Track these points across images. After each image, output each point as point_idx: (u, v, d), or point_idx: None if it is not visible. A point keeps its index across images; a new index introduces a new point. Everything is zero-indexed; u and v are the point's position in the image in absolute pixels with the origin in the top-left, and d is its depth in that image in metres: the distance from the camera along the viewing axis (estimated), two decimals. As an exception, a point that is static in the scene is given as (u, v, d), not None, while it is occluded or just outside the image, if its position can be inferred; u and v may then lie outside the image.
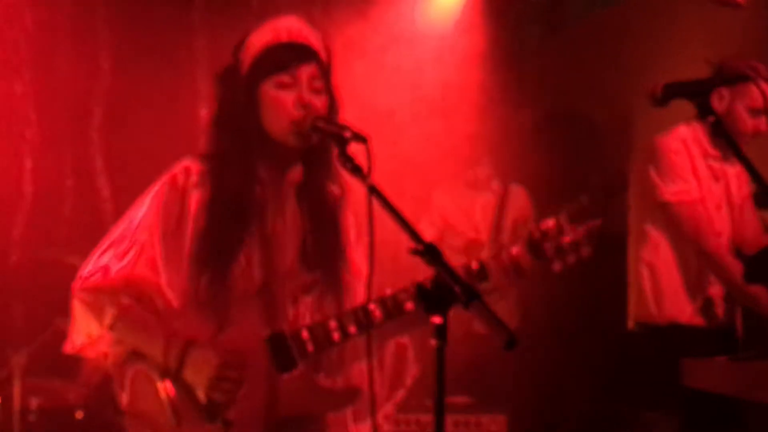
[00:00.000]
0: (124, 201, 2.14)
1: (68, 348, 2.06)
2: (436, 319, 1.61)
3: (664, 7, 4.52)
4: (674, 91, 2.05)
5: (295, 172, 2.08)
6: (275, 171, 2.06)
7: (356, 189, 1.97)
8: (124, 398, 1.98)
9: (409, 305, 1.96)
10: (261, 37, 2.03)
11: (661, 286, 3.29)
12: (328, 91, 2.04)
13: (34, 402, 3.83)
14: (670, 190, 3.22)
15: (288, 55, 2.01)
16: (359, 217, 2.13)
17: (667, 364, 2.83)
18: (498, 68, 4.78)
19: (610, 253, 4.03)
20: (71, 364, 3.77)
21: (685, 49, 4.25)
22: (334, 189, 2.11)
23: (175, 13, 4.61)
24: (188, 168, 2.06)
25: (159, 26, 4.50)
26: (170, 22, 4.56)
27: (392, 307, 1.96)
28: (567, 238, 1.99)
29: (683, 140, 3.25)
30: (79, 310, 2.03)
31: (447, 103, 4.74)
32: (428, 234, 4.41)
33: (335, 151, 1.87)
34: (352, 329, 1.95)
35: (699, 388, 2.63)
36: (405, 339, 2.10)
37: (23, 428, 3.78)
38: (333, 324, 1.96)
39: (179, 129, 4.19)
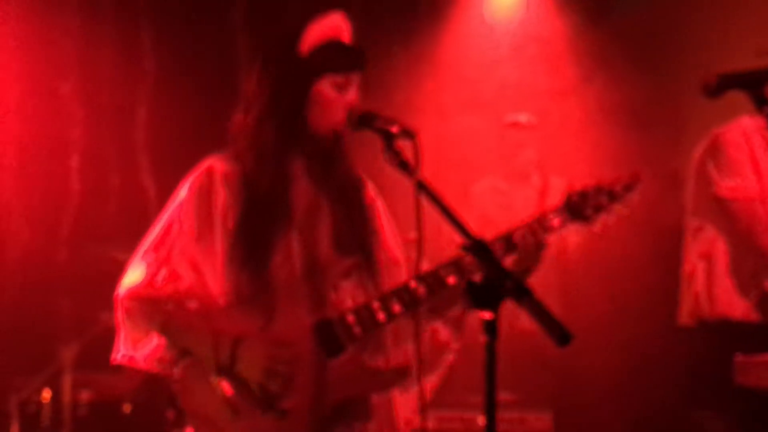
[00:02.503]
0: (168, 198, 2.16)
1: (118, 358, 2.07)
2: (486, 315, 1.59)
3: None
4: (729, 81, 1.99)
5: (322, 161, 2.08)
6: (306, 162, 2.07)
7: (393, 179, 1.97)
8: (182, 398, 2.01)
9: (451, 279, 1.95)
10: (321, 32, 2.03)
11: (715, 281, 3.21)
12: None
13: (84, 395, 3.88)
14: (727, 186, 3.13)
15: (350, 59, 2.03)
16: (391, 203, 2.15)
17: (721, 361, 2.77)
18: (544, 61, 4.72)
19: (663, 247, 3.97)
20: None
21: (739, 40, 4.14)
22: (359, 175, 2.11)
23: (217, 14, 4.65)
24: (212, 167, 2.07)
25: (201, 28, 4.56)
26: (212, 24, 4.60)
27: (434, 283, 1.96)
28: (605, 198, 1.98)
29: (744, 133, 3.13)
30: (125, 319, 2.05)
31: (492, 96, 4.70)
32: None
33: (382, 146, 1.87)
34: (397, 308, 1.95)
35: (753, 386, 2.57)
36: (438, 324, 2.08)
37: (74, 421, 3.83)
38: (377, 304, 1.96)
39: (221, 128, 4.22)
